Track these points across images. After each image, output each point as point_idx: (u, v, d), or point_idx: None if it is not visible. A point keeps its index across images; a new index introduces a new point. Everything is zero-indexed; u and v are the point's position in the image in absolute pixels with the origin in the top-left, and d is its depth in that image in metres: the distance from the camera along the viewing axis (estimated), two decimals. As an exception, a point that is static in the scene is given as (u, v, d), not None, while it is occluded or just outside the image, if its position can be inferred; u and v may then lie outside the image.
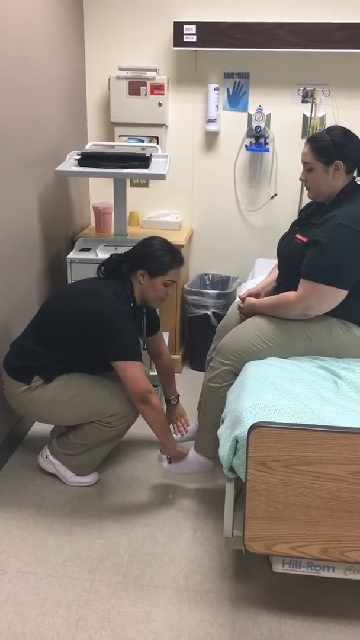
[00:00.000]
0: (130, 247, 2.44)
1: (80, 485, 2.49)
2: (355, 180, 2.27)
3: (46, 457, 2.52)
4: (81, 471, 2.49)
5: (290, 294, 2.21)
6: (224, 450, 1.84)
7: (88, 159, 2.85)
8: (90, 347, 2.28)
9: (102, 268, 2.41)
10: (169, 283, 2.36)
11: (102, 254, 2.92)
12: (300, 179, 2.30)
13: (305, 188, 2.33)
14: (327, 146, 2.18)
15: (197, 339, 3.48)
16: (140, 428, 2.75)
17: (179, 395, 2.68)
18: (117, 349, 2.24)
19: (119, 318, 2.24)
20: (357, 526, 1.67)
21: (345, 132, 2.22)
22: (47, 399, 2.33)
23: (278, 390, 1.92)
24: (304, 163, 2.23)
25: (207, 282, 3.70)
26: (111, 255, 2.43)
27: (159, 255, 2.32)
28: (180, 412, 2.65)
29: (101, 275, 2.40)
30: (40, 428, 2.84)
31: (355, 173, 2.26)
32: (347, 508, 1.66)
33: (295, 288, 2.20)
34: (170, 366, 2.68)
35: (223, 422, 2.00)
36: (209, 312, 3.41)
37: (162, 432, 2.33)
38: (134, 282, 2.36)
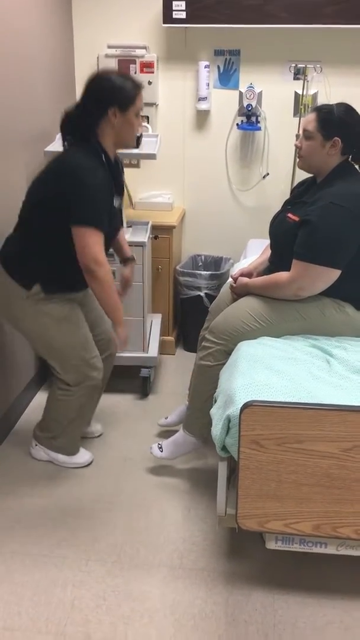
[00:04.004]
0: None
1: (75, 466, 2.50)
2: (349, 160, 2.25)
3: (35, 445, 2.53)
4: (68, 451, 2.49)
5: (282, 275, 2.20)
6: (217, 429, 1.84)
7: (77, 139, 2.80)
8: (62, 227, 2.10)
9: (64, 131, 2.17)
10: (138, 112, 2.16)
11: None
12: (295, 145, 2.29)
13: (297, 157, 2.31)
14: (332, 120, 2.16)
15: (190, 320, 3.47)
16: (131, 411, 2.75)
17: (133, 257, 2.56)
18: (78, 213, 2.06)
19: (89, 176, 2.05)
20: (349, 502, 1.68)
21: (352, 113, 2.20)
22: (40, 312, 2.22)
23: (270, 370, 1.92)
24: (304, 130, 2.21)
25: (200, 263, 3.69)
26: (64, 111, 2.16)
27: (122, 86, 2.10)
28: (127, 273, 2.53)
29: (65, 143, 2.19)
30: (32, 414, 2.84)
31: (350, 158, 2.23)
32: (339, 485, 1.67)
33: (287, 268, 2.19)
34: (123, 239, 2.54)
35: (215, 401, 2.00)
36: (202, 294, 3.40)
37: (108, 307, 2.20)
38: (103, 131, 2.13)
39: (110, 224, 2.21)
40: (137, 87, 2.15)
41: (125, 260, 2.57)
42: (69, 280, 2.26)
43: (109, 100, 2.10)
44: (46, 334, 2.28)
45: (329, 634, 1.79)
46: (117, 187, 2.30)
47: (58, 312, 2.25)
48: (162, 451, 2.39)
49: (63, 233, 2.11)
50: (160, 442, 2.41)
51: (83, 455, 2.53)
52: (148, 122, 3.35)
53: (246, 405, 1.66)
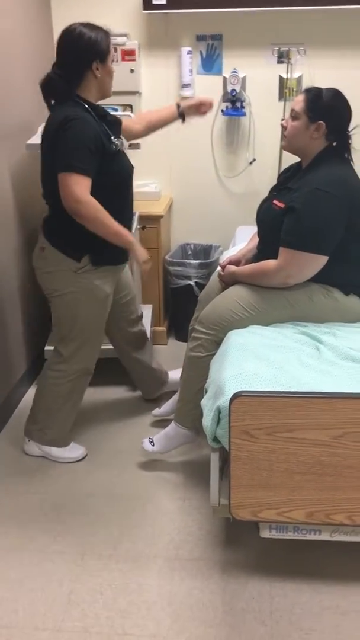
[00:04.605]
0: None
1: (68, 461, 2.49)
2: (333, 145, 2.22)
3: (28, 441, 2.53)
4: (59, 443, 2.49)
5: (270, 263, 2.19)
6: (208, 420, 1.84)
7: (60, 131, 2.77)
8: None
9: (46, 94, 2.18)
10: (112, 58, 2.21)
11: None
12: (282, 125, 2.27)
13: (283, 136, 2.30)
14: (319, 103, 2.15)
15: (181, 310, 3.45)
16: (124, 403, 2.74)
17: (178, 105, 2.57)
18: (59, 159, 2.08)
19: (72, 125, 2.06)
20: (341, 489, 1.68)
21: (340, 99, 2.18)
22: (83, 288, 2.27)
23: (259, 359, 1.91)
24: (292, 110, 2.20)
25: (189, 252, 3.67)
26: (47, 74, 2.16)
27: (96, 38, 2.12)
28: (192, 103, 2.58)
29: (52, 104, 2.21)
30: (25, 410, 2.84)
31: (334, 144, 2.21)
32: (330, 472, 1.67)
33: (275, 255, 2.18)
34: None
35: (206, 392, 1.99)
36: (192, 283, 3.38)
37: (109, 237, 2.17)
38: (85, 87, 2.16)
39: (119, 167, 2.24)
40: (107, 34, 2.18)
41: (180, 113, 2.57)
42: (112, 250, 2.24)
43: (90, 57, 2.12)
44: (77, 311, 2.32)
45: (326, 620, 1.79)
46: (114, 131, 2.27)
47: (98, 293, 2.31)
48: (153, 445, 2.37)
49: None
50: (151, 437, 2.40)
51: (77, 450, 2.53)
52: (132, 111, 3.31)
53: (235, 396, 1.65)
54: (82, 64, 2.13)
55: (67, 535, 2.13)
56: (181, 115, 2.58)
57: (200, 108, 2.58)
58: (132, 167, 2.35)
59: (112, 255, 2.29)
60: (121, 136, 2.33)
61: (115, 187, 2.23)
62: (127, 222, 2.30)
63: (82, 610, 1.84)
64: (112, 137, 2.21)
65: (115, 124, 2.32)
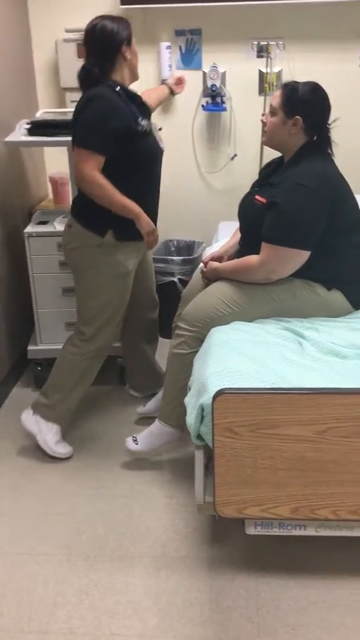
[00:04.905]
0: None
1: (55, 454, 2.48)
2: (314, 139, 2.22)
3: (33, 414, 2.51)
4: (60, 421, 2.50)
5: (252, 258, 2.18)
6: (191, 418, 1.83)
7: (38, 128, 2.74)
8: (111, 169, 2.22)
9: (82, 83, 2.30)
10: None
11: (61, 226, 2.85)
12: (262, 121, 2.28)
13: (263, 131, 2.30)
14: (295, 98, 2.14)
15: (166, 307, 3.42)
16: (109, 401, 2.73)
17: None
18: (78, 133, 2.21)
19: (93, 103, 2.19)
20: (325, 484, 1.68)
21: (318, 93, 2.17)
22: (106, 263, 2.34)
23: (242, 355, 1.91)
24: (270, 105, 2.20)
25: (173, 249, 3.65)
26: (82, 66, 2.31)
27: (120, 23, 2.26)
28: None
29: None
30: (8, 410, 2.81)
31: (315, 138, 2.20)
32: (314, 467, 1.67)
33: (257, 251, 2.17)
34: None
35: (190, 390, 1.98)
36: (175, 279, 3.36)
37: (116, 210, 2.26)
38: (117, 70, 2.28)
39: (145, 147, 2.31)
40: (125, 20, 2.32)
41: (170, 88, 2.85)
42: (133, 224, 2.31)
43: (119, 42, 2.25)
44: (100, 288, 2.38)
45: (312, 614, 1.80)
46: (143, 112, 2.34)
47: (120, 269, 2.38)
48: (137, 444, 2.36)
49: (114, 174, 2.22)
50: (135, 435, 2.38)
51: (65, 447, 2.52)
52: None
53: (218, 394, 1.65)
54: (112, 51, 2.26)
55: (53, 536, 2.11)
56: (170, 90, 2.86)
57: (179, 85, 2.88)
58: (160, 150, 2.41)
59: (134, 230, 2.34)
60: (151, 120, 2.41)
61: (139, 167, 2.30)
62: (149, 205, 2.37)
63: (68, 612, 1.82)
64: (139, 119, 2.27)
65: (145, 107, 2.40)
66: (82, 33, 3.28)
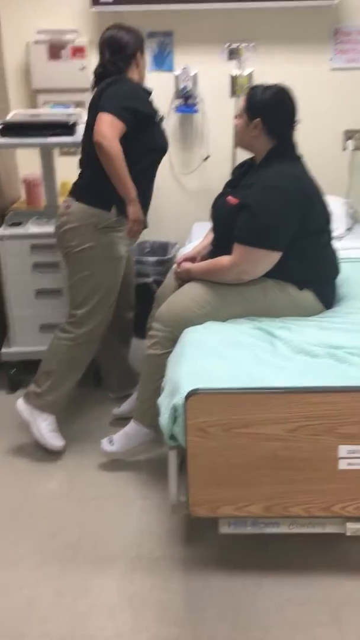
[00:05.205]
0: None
1: (47, 446, 2.49)
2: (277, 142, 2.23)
3: (26, 405, 2.51)
4: (52, 409, 2.51)
5: (224, 259, 2.20)
6: (164, 419, 1.83)
7: (10, 129, 2.72)
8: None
9: (98, 80, 2.41)
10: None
11: (34, 228, 2.83)
12: (234, 122, 2.31)
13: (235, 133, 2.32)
14: (255, 101, 2.17)
15: (141, 308, 3.41)
16: (84, 402, 2.72)
17: None
18: (103, 101, 2.27)
19: (123, 82, 2.33)
20: (297, 482, 1.70)
21: (279, 96, 2.18)
22: (102, 243, 2.41)
23: (214, 355, 1.92)
24: (239, 107, 2.24)
25: (147, 249, 3.65)
26: (98, 65, 2.44)
27: (135, 34, 2.43)
28: None
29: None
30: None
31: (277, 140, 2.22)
32: (286, 465, 1.69)
33: (229, 251, 2.18)
34: None
35: (163, 390, 1.99)
36: (150, 280, 3.36)
37: (116, 180, 2.30)
38: (131, 71, 2.42)
39: (158, 136, 2.46)
40: (136, 30, 2.47)
41: None
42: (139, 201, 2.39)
43: (133, 50, 2.41)
44: (93, 268, 2.43)
45: (288, 611, 1.81)
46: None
47: (114, 251, 2.45)
48: (112, 445, 2.36)
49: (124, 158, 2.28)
50: (111, 436, 2.38)
51: (59, 440, 2.52)
52: (84, 108, 3.27)
53: (190, 394, 1.65)
54: (129, 58, 2.41)
55: (26, 539, 2.10)
56: None
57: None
58: (167, 144, 2.52)
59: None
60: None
61: (146, 154, 2.41)
62: (143, 197, 2.43)
63: (43, 615, 1.81)
64: (158, 114, 2.43)
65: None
66: (55, 34, 3.30)
